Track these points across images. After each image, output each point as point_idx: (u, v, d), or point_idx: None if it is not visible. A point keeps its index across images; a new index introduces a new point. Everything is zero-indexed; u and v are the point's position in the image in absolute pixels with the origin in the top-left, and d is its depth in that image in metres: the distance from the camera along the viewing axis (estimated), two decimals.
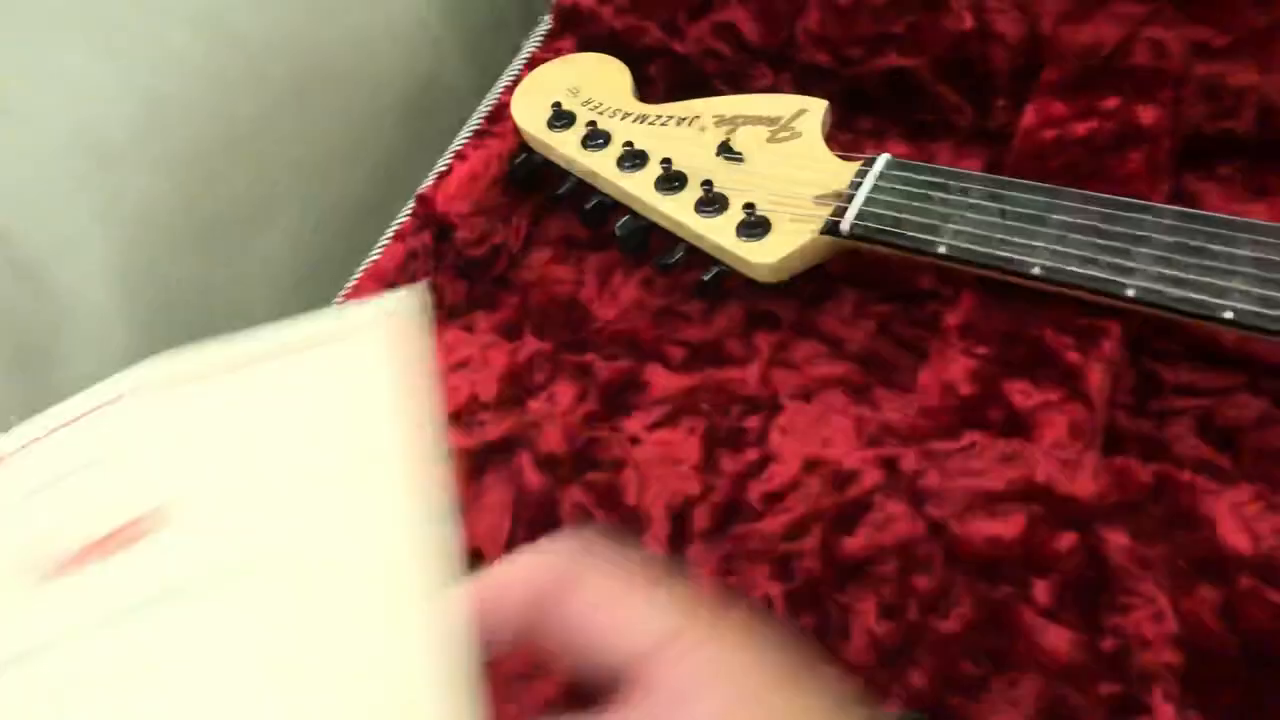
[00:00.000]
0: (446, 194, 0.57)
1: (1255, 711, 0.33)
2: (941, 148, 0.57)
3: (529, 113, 0.58)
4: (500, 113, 0.60)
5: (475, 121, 0.60)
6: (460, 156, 0.58)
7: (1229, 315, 0.40)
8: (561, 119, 0.56)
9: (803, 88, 0.57)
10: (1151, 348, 0.47)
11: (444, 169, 0.58)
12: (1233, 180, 0.52)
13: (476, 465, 0.45)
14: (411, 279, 0.55)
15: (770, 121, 0.53)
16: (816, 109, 0.52)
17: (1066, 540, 0.37)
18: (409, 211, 0.57)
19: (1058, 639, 0.35)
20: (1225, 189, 0.51)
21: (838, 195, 0.49)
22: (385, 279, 0.54)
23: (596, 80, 0.58)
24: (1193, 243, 0.42)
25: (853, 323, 0.52)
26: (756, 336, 0.53)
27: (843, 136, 0.58)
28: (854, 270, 0.53)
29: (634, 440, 0.44)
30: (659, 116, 0.55)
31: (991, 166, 0.54)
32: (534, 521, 0.42)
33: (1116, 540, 0.37)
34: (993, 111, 0.56)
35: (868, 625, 0.37)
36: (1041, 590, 0.36)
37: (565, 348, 0.49)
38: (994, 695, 0.35)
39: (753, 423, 0.43)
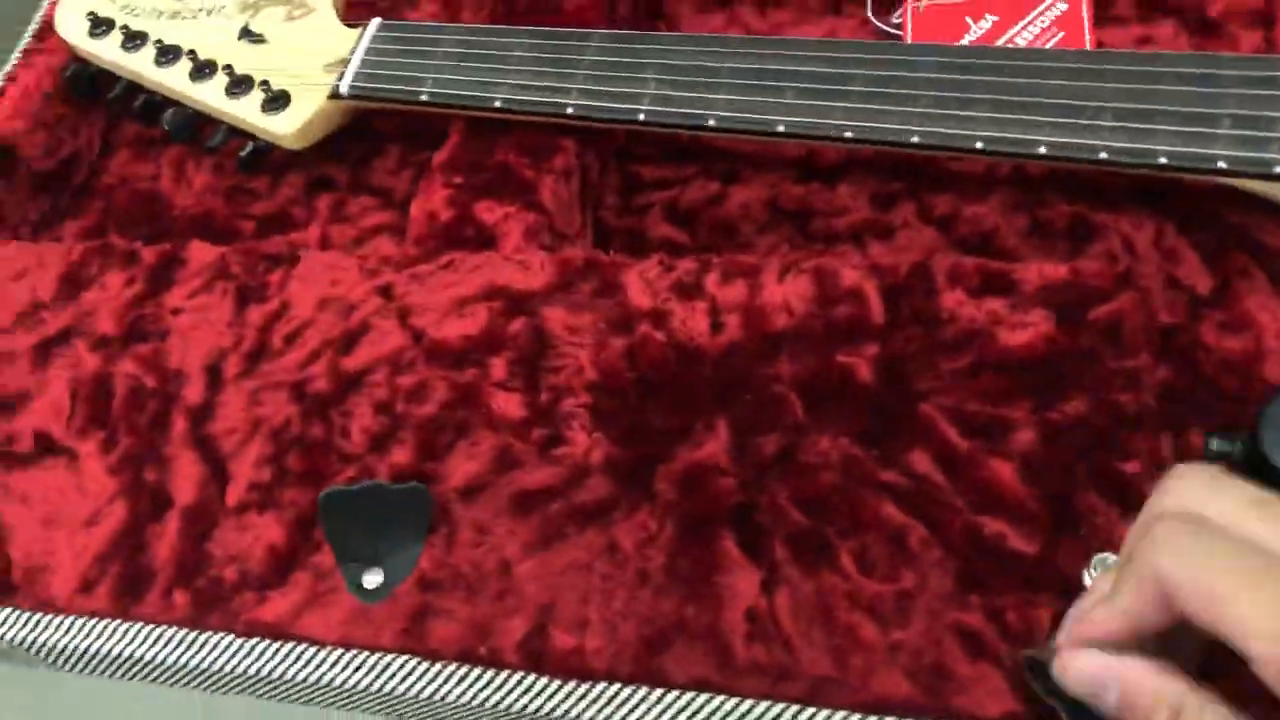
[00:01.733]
0: (2, 115, 0.59)
1: (643, 426, 0.42)
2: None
3: (70, 24, 0.60)
4: (49, 29, 0.62)
5: (24, 42, 0.62)
6: (10, 79, 0.60)
7: (641, 117, 0.48)
8: (100, 26, 0.59)
9: None
10: (634, 154, 0.55)
11: None
12: None
13: (40, 358, 0.49)
14: None
15: (285, 1, 0.57)
16: None
17: (517, 324, 0.45)
18: None
19: (508, 403, 0.43)
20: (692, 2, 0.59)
21: (343, 62, 0.54)
22: None
23: None
24: (610, 59, 0.49)
25: (397, 173, 0.58)
26: (317, 200, 0.58)
27: (383, 4, 0.63)
28: (398, 127, 0.59)
29: (175, 311, 0.49)
30: (189, 11, 0.59)
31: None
32: (91, 398, 0.48)
33: (554, 316, 0.45)
34: None
35: (364, 424, 0.44)
36: (498, 367, 0.44)
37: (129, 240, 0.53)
38: (459, 454, 0.43)
39: (275, 277, 0.49)
